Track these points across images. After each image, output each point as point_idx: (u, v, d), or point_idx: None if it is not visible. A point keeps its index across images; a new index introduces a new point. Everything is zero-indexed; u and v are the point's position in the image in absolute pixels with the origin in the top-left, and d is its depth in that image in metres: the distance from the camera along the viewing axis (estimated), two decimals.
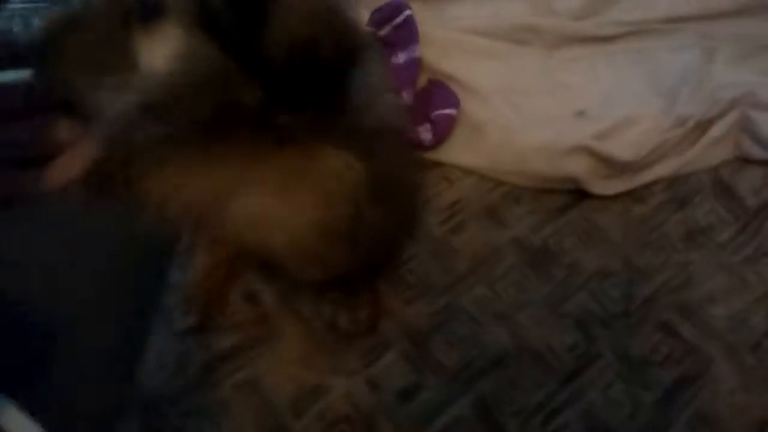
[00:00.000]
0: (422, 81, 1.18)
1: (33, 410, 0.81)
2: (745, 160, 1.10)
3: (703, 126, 1.09)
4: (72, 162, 0.52)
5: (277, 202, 0.62)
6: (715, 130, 1.09)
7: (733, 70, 1.14)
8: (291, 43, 0.49)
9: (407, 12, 1.18)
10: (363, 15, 1.20)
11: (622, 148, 1.06)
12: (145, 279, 0.95)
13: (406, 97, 1.12)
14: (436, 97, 1.14)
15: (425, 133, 1.10)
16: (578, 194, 1.07)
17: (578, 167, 1.05)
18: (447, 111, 1.11)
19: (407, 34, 1.17)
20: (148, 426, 0.86)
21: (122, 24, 0.49)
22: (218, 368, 0.90)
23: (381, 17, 1.19)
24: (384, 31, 1.18)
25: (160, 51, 0.49)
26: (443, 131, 1.10)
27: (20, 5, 0.62)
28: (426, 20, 1.20)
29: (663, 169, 1.08)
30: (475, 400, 0.89)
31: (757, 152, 1.09)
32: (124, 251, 0.92)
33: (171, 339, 0.91)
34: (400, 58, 1.16)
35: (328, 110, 0.54)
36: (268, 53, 0.49)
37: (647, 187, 1.08)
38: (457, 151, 1.11)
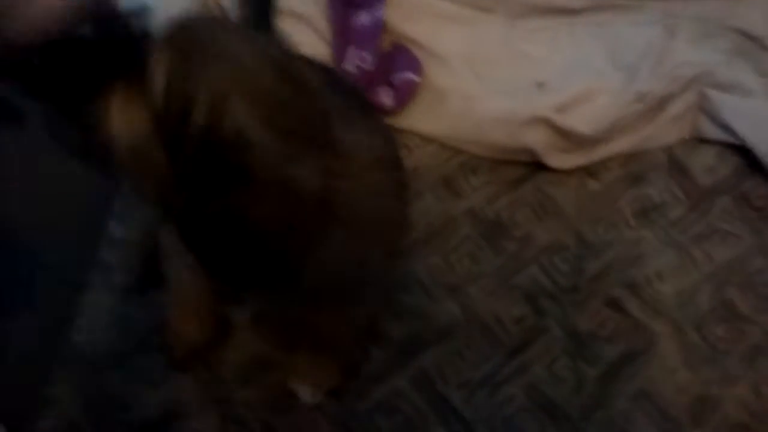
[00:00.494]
0: (386, 45, 1.15)
1: None
2: (700, 140, 1.10)
3: (661, 103, 1.09)
4: None
5: None
6: (673, 109, 1.09)
7: (694, 49, 1.14)
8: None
9: None
10: None
11: (580, 122, 1.05)
12: (82, 231, 0.90)
13: (368, 58, 1.09)
14: (398, 61, 1.11)
15: (386, 98, 1.08)
16: (535, 167, 1.07)
17: (536, 139, 1.05)
18: (409, 76, 1.09)
19: None
20: (82, 390, 0.84)
21: (117, 72, 0.48)
22: None
23: None
24: None
25: (121, 119, 0.48)
26: (404, 96, 1.09)
27: None
28: None
29: (620, 145, 1.08)
30: (416, 372, 0.89)
31: (713, 132, 1.09)
32: (62, 198, 0.87)
33: (111, 297, 0.89)
34: (364, 18, 1.13)
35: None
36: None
37: (603, 162, 1.07)
38: (417, 118, 1.10)
